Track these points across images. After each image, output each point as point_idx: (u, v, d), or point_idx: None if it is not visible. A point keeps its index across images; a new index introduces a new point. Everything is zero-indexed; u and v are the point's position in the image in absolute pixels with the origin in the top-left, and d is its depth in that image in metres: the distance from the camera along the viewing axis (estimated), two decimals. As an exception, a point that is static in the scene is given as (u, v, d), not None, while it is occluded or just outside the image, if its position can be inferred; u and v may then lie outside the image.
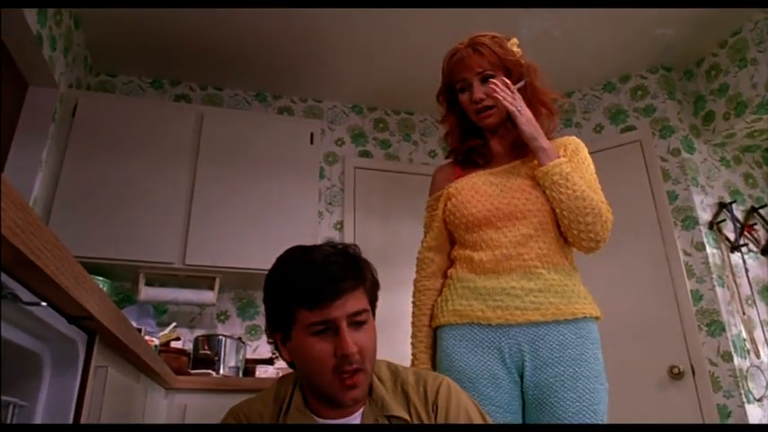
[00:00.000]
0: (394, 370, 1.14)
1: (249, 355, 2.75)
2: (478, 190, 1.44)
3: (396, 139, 3.68)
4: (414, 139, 3.72)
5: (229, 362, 2.43)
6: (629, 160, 3.19)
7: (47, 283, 0.67)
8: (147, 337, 2.24)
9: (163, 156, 2.76)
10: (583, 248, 1.37)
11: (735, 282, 2.87)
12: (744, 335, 2.77)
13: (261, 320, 2.93)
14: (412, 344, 1.48)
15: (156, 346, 2.26)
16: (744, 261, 2.93)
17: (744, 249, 2.96)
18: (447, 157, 1.63)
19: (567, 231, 1.36)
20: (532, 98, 1.46)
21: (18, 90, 2.51)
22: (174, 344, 2.42)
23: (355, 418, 1.06)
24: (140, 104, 3.03)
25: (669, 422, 2.61)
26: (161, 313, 2.86)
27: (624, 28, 2.97)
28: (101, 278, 2.53)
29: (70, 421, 0.86)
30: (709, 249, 2.88)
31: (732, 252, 2.95)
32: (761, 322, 2.84)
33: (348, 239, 3.21)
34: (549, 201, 1.36)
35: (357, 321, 1.02)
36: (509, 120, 1.43)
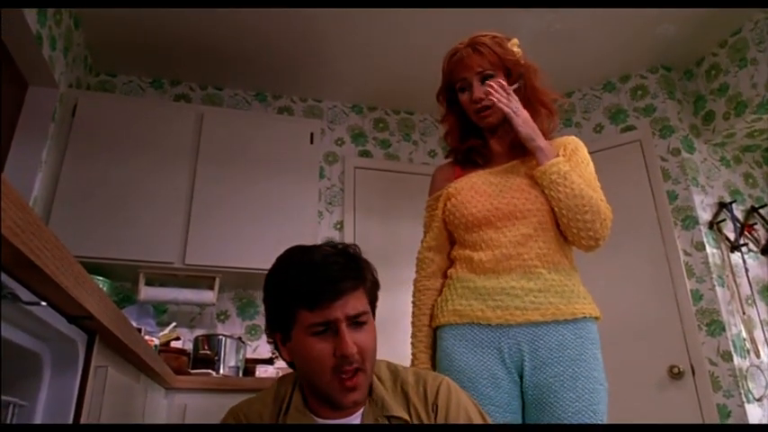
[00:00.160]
0: (393, 370, 1.14)
1: (249, 355, 2.75)
2: (478, 190, 1.44)
3: (396, 138, 3.68)
4: (414, 138, 3.72)
5: (229, 362, 2.43)
6: (629, 160, 3.19)
7: (47, 283, 0.67)
8: (146, 337, 2.24)
9: (163, 156, 2.76)
10: (582, 247, 1.37)
11: (735, 281, 2.87)
12: (744, 335, 2.77)
13: (261, 320, 2.94)
14: (412, 344, 1.48)
15: (155, 345, 2.26)
16: (744, 261, 2.93)
17: (744, 249, 2.96)
18: (447, 157, 1.63)
19: (566, 230, 1.36)
20: (532, 98, 1.46)
21: (18, 90, 2.51)
22: (173, 344, 2.42)
23: (355, 419, 1.06)
24: (140, 104, 3.03)
25: (669, 422, 2.61)
26: (161, 313, 2.86)
27: (624, 28, 2.97)
28: (101, 278, 2.53)
29: (70, 421, 0.86)
30: (709, 249, 2.88)
31: (732, 252, 2.95)
32: (761, 322, 2.84)
33: (348, 239, 3.21)
34: (548, 200, 1.37)
35: (357, 322, 1.01)
36: (507, 120, 1.43)
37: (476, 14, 2.75)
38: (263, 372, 2.43)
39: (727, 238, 2.96)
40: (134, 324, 1.81)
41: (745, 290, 2.88)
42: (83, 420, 0.90)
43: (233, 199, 2.78)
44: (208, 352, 2.39)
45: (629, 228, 2.99)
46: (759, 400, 2.63)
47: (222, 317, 2.98)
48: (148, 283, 2.67)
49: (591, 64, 3.26)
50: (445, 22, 2.82)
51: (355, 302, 1.02)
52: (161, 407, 1.91)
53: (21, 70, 2.46)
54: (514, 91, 1.44)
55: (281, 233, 2.69)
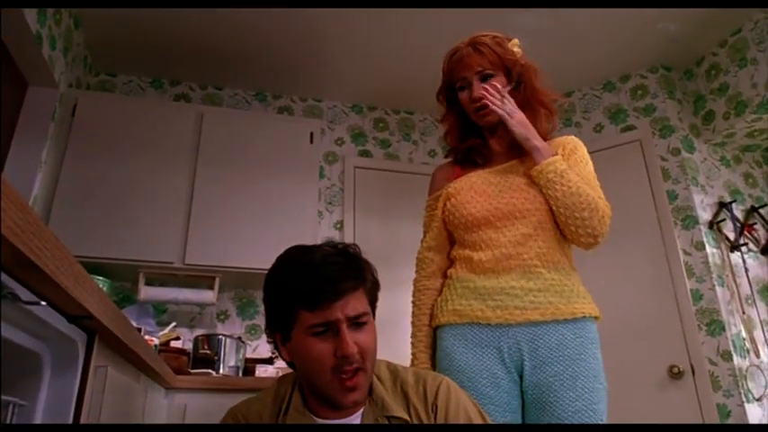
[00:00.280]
0: (393, 370, 1.14)
1: (249, 355, 2.75)
2: (477, 190, 1.44)
3: (395, 138, 3.68)
4: (413, 138, 3.72)
5: (229, 361, 2.43)
6: (629, 160, 3.19)
7: (47, 283, 0.67)
8: (146, 337, 2.24)
9: (163, 155, 2.76)
10: (582, 244, 1.37)
11: (734, 281, 2.87)
12: (743, 334, 2.77)
13: (261, 320, 2.94)
14: (412, 343, 1.48)
15: (155, 345, 2.26)
16: (743, 260, 2.93)
17: (744, 249, 2.96)
18: (446, 157, 1.63)
19: (564, 228, 1.36)
20: (531, 98, 1.46)
21: (18, 90, 2.51)
22: (173, 343, 2.42)
23: (355, 419, 1.06)
24: (140, 104, 3.03)
25: (669, 421, 2.62)
26: (161, 313, 2.86)
27: (624, 28, 2.97)
28: (101, 278, 2.53)
29: (70, 421, 0.86)
30: (708, 249, 2.88)
31: (732, 251, 2.95)
32: (761, 322, 2.84)
33: (348, 239, 3.21)
34: (547, 199, 1.37)
35: (358, 322, 1.01)
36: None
37: (476, 14, 2.75)
38: (262, 371, 2.43)
39: (727, 238, 2.96)
40: (134, 324, 1.81)
41: (745, 290, 2.88)
42: (83, 420, 0.90)
43: (233, 199, 2.78)
44: (208, 352, 2.39)
45: (629, 227, 2.99)
46: (759, 399, 2.63)
47: (222, 317, 2.98)
48: (148, 283, 2.67)
49: (591, 64, 3.26)
50: (445, 22, 2.82)
51: (356, 303, 1.01)
52: (161, 407, 1.91)
53: (21, 70, 2.46)
54: (513, 91, 1.45)
55: (281, 233, 2.69)
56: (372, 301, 1.09)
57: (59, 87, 2.64)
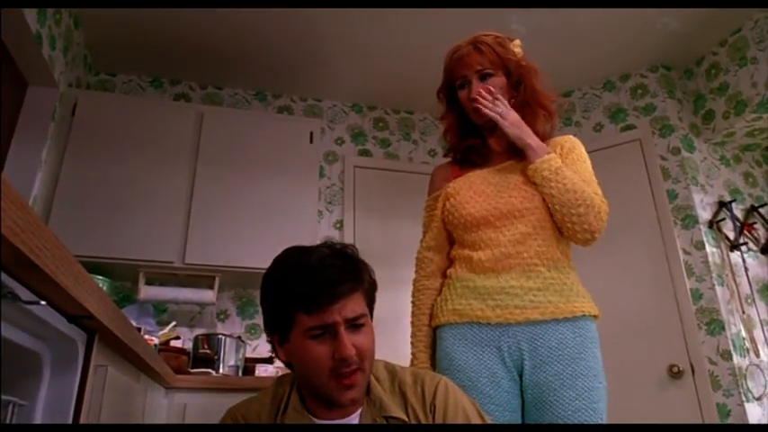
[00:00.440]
0: (391, 370, 1.14)
1: (249, 354, 2.75)
2: (477, 190, 1.44)
3: (395, 138, 3.68)
4: (413, 138, 3.72)
5: (229, 361, 2.43)
6: (628, 159, 3.19)
7: (46, 283, 0.67)
8: (146, 337, 2.24)
9: (163, 155, 2.76)
10: (579, 241, 1.37)
11: (734, 281, 2.87)
12: (743, 334, 2.77)
13: (260, 319, 2.91)
14: (411, 343, 1.48)
15: (155, 345, 2.26)
16: (743, 260, 2.93)
17: (743, 248, 2.96)
18: (446, 155, 1.64)
19: (561, 225, 1.37)
20: (531, 100, 1.47)
21: (18, 89, 2.51)
22: (173, 343, 2.43)
23: (353, 419, 1.06)
24: (140, 104, 3.03)
25: (669, 421, 2.62)
26: (161, 312, 2.86)
27: (624, 27, 2.97)
28: (101, 277, 2.53)
29: (70, 420, 0.86)
30: (708, 248, 2.88)
31: (732, 251, 2.95)
32: (760, 321, 2.84)
33: (348, 239, 3.21)
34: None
35: (355, 324, 1.02)
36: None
37: (476, 14, 2.74)
38: (262, 371, 2.43)
39: (727, 238, 2.96)
40: (134, 323, 1.82)
41: (745, 289, 2.88)
42: (82, 420, 0.90)
43: (233, 198, 2.78)
44: (207, 351, 2.39)
45: (628, 227, 3.00)
46: (759, 399, 2.63)
47: (222, 316, 2.98)
48: (148, 283, 2.67)
49: (591, 63, 3.26)
50: (445, 22, 2.82)
51: (353, 305, 1.01)
52: (161, 406, 1.91)
53: (21, 70, 2.46)
54: (513, 91, 1.45)
55: (281, 233, 2.69)
56: (370, 302, 1.09)
57: (59, 87, 2.64)
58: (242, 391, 1.84)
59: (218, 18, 2.85)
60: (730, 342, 2.69)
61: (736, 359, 2.66)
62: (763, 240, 3.04)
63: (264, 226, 2.74)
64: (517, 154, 1.45)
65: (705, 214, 2.97)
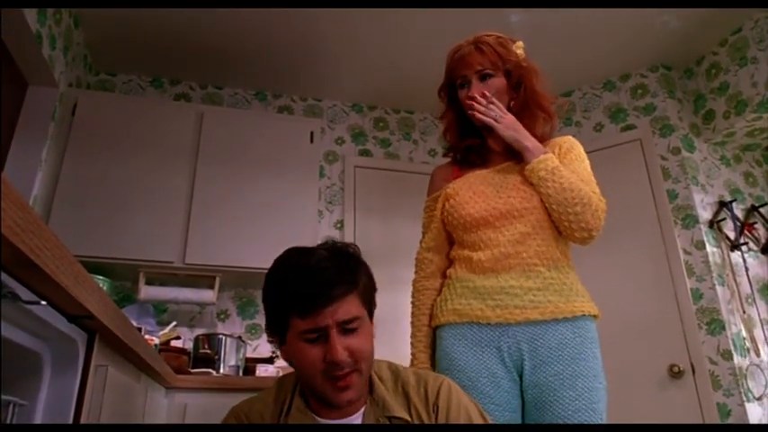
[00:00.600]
0: (395, 370, 1.14)
1: (249, 354, 2.75)
2: (476, 190, 1.44)
3: (396, 137, 3.68)
4: (414, 137, 3.72)
5: (229, 361, 2.43)
6: (629, 159, 3.19)
7: (47, 282, 0.67)
8: (147, 336, 2.24)
9: (163, 155, 2.76)
10: (577, 240, 1.37)
11: (735, 280, 2.87)
12: (744, 333, 2.77)
13: (261, 319, 2.94)
14: (411, 344, 1.48)
15: (156, 345, 2.26)
16: (744, 260, 2.93)
17: (744, 248, 2.96)
18: (445, 155, 1.64)
19: (559, 224, 1.37)
20: (530, 101, 1.47)
21: (18, 89, 2.51)
22: (174, 343, 2.42)
23: (356, 419, 1.06)
24: (140, 103, 3.03)
25: (669, 421, 2.62)
26: (161, 312, 2.86)
27: (624, 27, 2.97)
28: (101, 277, 2.53)
29: (70, 420, 0.86)
30: (709, 248, 2.88)
31: (732, 251, 2.95)
32: (761, 321, 2.84)
33: (348, 238, 3.21)
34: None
35: (349, 327, 1.01)
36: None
37: (476, 14, 2.74)
38: (263, 371, 2.43)
39: (728, 237, 2.96)
40: (134, 323, 1.82)
41: (746, 289, 2.88)
42: (83, 420, 0.90)
43: (233, 198, 2.78)
44: (208, 351, 2.39)
45: (629, 227, 3.00)
46: (759, 398, 2.63)
47: (222, 316, 2.98)
48: (148, 283, 2.67)
49: (591, 63, 3.26)
50: (445, 22, 2.82)
51: (347, 308, 1.01)
52: (161, 406, 1.91)
53: (21, 70, 2.46)
54: (513, 92, 1.45)
55: (281, 232, 2.69)
56: (368, 304, 1.08)
57: (59, 87, 2.64)
58: (242, 391, 1.84)
59: (218, 18, 2.85)
60: (731, 342, 2.69)
61: (737, 359, 2.66)
62: (763, 240, 3.04)
63: (264, 226, 2.74)
64: (515, 154, 1.45)
65: (705, 214, 2.97)
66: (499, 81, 1.46)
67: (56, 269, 0.66)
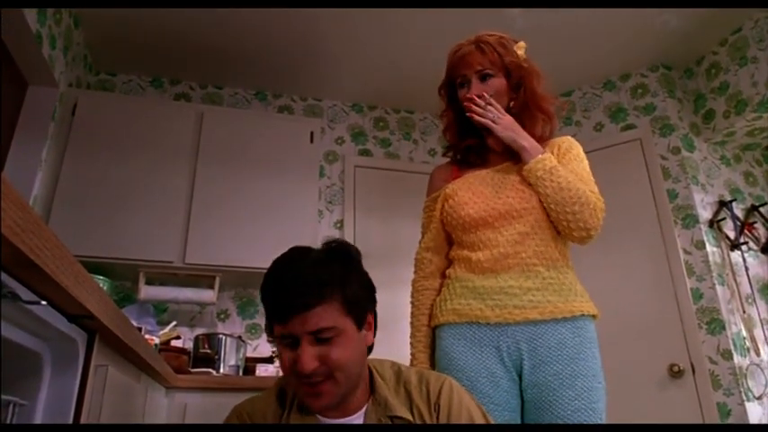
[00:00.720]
0: (397, 370, 1.14)
1: (249, 354, 2.75)
2: (475, 191, 1.44)
3: (396, 137, 3.68)
4: (414, 137, 3.72)
5: (230, 361, 2.43)
6: (629, 159, 3.19)
7: (47, 282, 0.67)
8: (147, 336, 2.25)
9: (163, 155, 2.76)
10: (575, 239, 1.37)
11: (735, 280, 2.87)
12: (744, 333, 2.77)
13: (261, 319, 2.94)
14: (411, 344, 1.48)
15: (156, 344, 2.26)
16: (744, 259, 2.93)
17: (744, 248, 2.96)
18: (444, 154, 1.64)
19: (557, 224, 1.37)
20: (530, 102, 1.47)
21: (18, 89, 2.51)
22: (174, 343, 2.43)
23: (358, 418, 1.06)
24: (140, 103, 3.03)
25: (669, 420, 2.62)
26: (161, 312, 2.86)
27: (624, 27, 2.97)
28: (101, 277, 2.53)
29: (70, 420, 0.86)
30: (709, 248, 2.88)
31: (732, 250, 2.95)
32: (761, 320, 2.84)
33: (348, 238, 3.21)
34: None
35: (322, 338, 0.98)
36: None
37: (476, 14, 2.74)
38: (263, 371, 2.43)
39: (728, 237, 2.96)
40: (134, 323, 1.81)
41: (746, 288, 2.88)
42: (83, 420, 0.90)
43: (233, 198, 2.78)
44: (208, 351, 2.39)
45: (629, 226, 3.00)
46: (759, 398, 2.63)
47: (222, 316, 2.98)
48: (148, 283, 2.67)
49: (591, 62, 3.26)
50: (445, 22, 2.82)
51: (319, 318, 0.97)
52: (161, 406, 1.91)
53: (21, 70, 2.46)
54: (513, 93, 1.46)
55: (281, 232, 2.69)
56: (355, 312, 1.03)
57: (59, 87, 2.64)
58: (243, 391, 1.84)
59: (218, 18, 2.85)
60: (731, 341, 2.69)
61: (737, 358, 2.66)
62: (763, 240, 3.04)
63: (264, 226, 2.74)
64: (515, 155, 1.45)
65: (705, 214, 2.97)
66: (499, 81, 1.46)
67: (56, 269, 0.66)
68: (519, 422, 1.32)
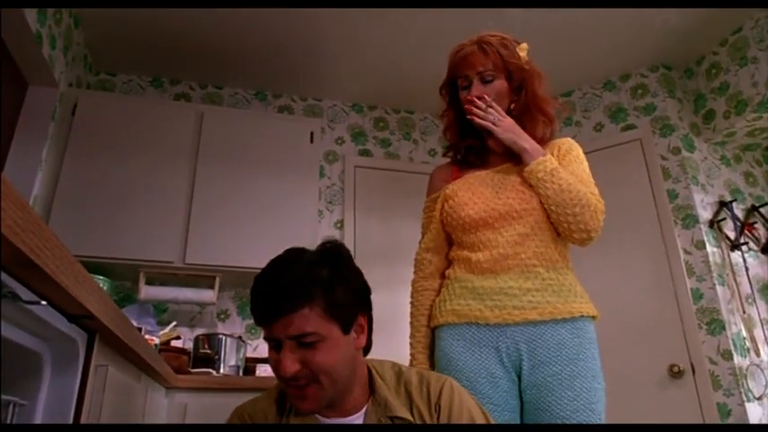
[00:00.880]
0: (398, 371, 1.14)
1: (249, 354, 2.75)
2: (475, 191, 1.44)
3: (396, 137, 3.68)
4: (414, 137, 3.72)
5: (230, 361, 2.43)
6: (629, 159, 3.19)
7: (47, 282, 0.67)
8: (147, 336, 2.25)
9: (163, 155, 2.76)
10: (576, 241, 1.37)
11: (735, 280, 2.87)
12: (744, 333, 2.77)
13: (261, 319, 2.93)
14: (410, 344, 1.48)
15: (156, 345, 2.26)
16: (744, 259, 2.93)
17: (744, 248, 2.96)
18: (444, 155, 1.64)
19: (557, 225, 1.37)
20: (531, 104, 1.47)
21: (18, 89, 2.51)
22: (174, 343, 2.43)
23: (358, 418, 1.06)
24: (140, 103, 3.03)
25: (669, 421, 2.62)
26: (161, 312, 2.86)
27: (624, 27, 2.97)
28: (101, 277, 2.53)
29: (70, 420, 0.86)
30: (709, 248, 2.88)
31: (732, 251, 2.95)
32: (761, 321, 2.84)
33: (348, 238, 3.22)
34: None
35: (304, 342, 0.97)
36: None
37: (476, 14, 2.74)
38: (263, 371, 2.43)
39: (728, 237, 2.96)
40: (134, 323, 1.81)
41: (746, 288, 2.88)
42: (83, 420, 0.90)
43: (233, 198, 2.78)
44: (208, 351, 2.39)
45: (629, 227, 3.00)
46: (759, 398, 2.63)
47: (222, 316, 2.98)
48: (149, 283, 2.67)
49: (591, 63, 3.26)
50: (445, 22, 2.82)
51: (300, 323, 0.96)
52: (161, 406, 1.91)
53: (21, 70, 2.46)
54: (514, 95, 1.46)
55: (281, 232, 2.69)
56: (340, 318, 1.00)
57: (59, 87, 2.64)
58: (243, 391, 1.84)
59: (218, 18, 2.85)
60: (731, 342, 2.69)
61: (737, 359, 2.66)
62: (763, 240, 3.04)
63: (264, 226, 2.74)
64: (515, 156, 1.45)
65: (706, 214, 2.97)
66: (500, 83, 1.45)
67: (56, 269, 0.66)
68: (518, 423, 1.32)
